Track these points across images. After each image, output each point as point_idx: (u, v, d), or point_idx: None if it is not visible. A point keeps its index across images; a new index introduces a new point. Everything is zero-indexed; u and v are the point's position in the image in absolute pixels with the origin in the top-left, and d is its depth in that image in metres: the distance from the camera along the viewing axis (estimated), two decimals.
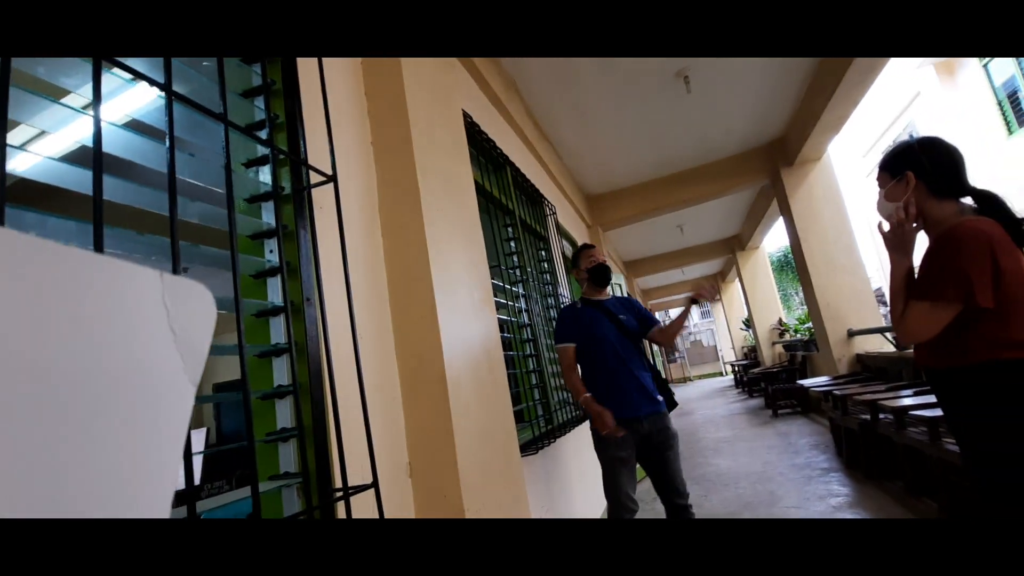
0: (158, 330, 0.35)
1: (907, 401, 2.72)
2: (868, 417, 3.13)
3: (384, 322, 1.31)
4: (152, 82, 0.78)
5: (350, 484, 1.00)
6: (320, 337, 0.98)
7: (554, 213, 3.92)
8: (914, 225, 1.36)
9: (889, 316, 1.42)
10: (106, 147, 0.84)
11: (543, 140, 4.08)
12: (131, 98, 1.13)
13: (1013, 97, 7.76)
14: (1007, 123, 7.95)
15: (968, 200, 1.33)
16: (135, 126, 0.96)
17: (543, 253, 3.53)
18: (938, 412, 2.21)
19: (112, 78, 0.88)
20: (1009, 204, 1.29)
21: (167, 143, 0.75)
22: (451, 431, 1.23)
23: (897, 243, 1.38)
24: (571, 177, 5.15)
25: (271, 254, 1.04)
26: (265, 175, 1.11)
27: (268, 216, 1.09)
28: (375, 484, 0.95)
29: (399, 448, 1.25)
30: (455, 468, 1.22)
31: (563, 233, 4.47)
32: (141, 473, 0.33)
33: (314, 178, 1.08)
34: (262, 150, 1.12)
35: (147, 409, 0.34)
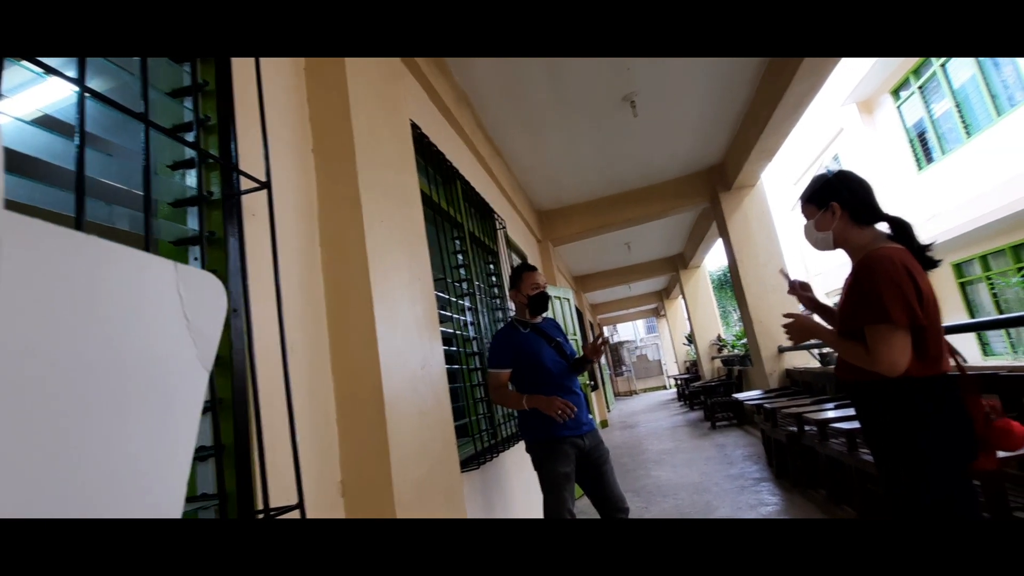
0: (172, 317, 0.37)
1: (829, 414, 2.90)
2: (795, 429, 3.31)
3: (320, 335, 1.27)
4: (64, 77, 0.73)
5: (276, 505, 0.95)
6: (245, 350, 0.93)
7: (504, 227, 3.94)
8: (808, 306, 1.49)
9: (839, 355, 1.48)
10: (10, 143, 0.78)
11: (495, 154, 4.12)
12: (46, 92, 1.05)
13: (922, 136, 8.58)
14: (917, 159, 8.76)
15: (882, 226, 1.45)
16: (47, 122, 0.90)
17: (492, 267, 3.54)
18: (856, 425, 2.38)
19: (22, 71, 0.82)
20: (916, 232, 1.42)
21: (76, 140, 0.70)
22: (386, 448, 1.20)
23: (802, 331, 1.49)
24: (522, 192, 5.21)
25: (195, 261, 0.99)
26: (193, 179, 1.05)
27: (196, 222, 1.03)
28: (300, 504, 0.91)
29: (331, 466, 1.20)
30: (390, 486, 1.18)
31: (513, 247, 4.51)
32: (159, 455, 0.34)
33: (247, 184, 1.04)
34: (192, 152, 1.06)
35: (163, 392, 0.35)
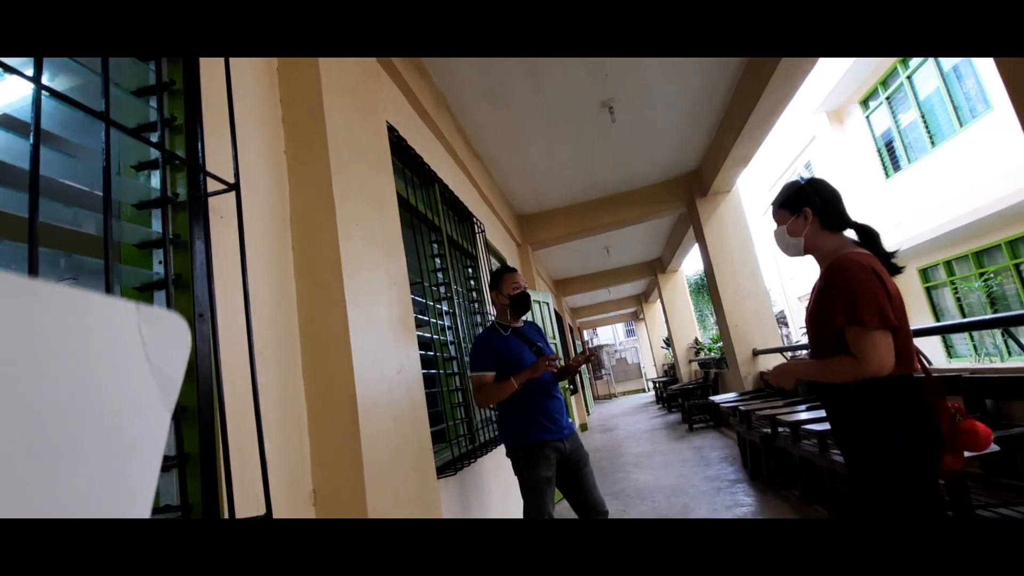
0: (134, 360, 0.37)
1: (802, 416, 2.96)
2: (769, 431, 3.37)
3: (291, 341, 1.24)
4: (20, 74, 0.70)
5: (243, 516, 0.93)
6: (211, 357, 0.91)
7: (483, 231, 3.94)
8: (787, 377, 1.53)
9: (812, 355, 1.51)
10: None
11: (474, 158, 4.11)
12: (4, 90, 1.01)
13: (889, 146, 8.87)
14: (884, 168, 9.05)
15: (850, 233, 1.49)
16: (6, 122, 0.86)
17: (470, 271, 3.52)
18: (827, 426, 2.43)
19: None
20: (882, 239, 1.46)
21: (31, 139, 0.67)
22: (360, 455, 1.18)
23: (785, 375, 1.54)
24: (502, 196, 5.22)
25: (160, 265, 0.96)
26: (159, 180, 1.02)
27: (160, 224, 1.00)
28: (268, 515, 0.89)
29: (302, 474, 1.17)
30: (363, 494, 1.16)
31: (492, 251, 4.50)
32: (118, 497, 0.34)
33: (215, 186, 1.01)
34: (158, 153, 1.03)
35: (124, 436, 0.35)
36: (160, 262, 0.95)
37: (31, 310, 0.30)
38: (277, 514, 0.99)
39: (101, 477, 0.33)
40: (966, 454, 1.34)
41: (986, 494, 2.00)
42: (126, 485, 0.35)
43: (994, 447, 1.64)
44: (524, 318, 2.42)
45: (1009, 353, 7.25)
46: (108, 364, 0.35)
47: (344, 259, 1.30)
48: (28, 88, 0.72)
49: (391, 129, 2.29)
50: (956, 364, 8.20)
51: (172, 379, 0.40)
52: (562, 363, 2.23)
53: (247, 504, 0.95)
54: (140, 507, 0.36)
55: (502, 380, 2.13)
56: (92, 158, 0.90)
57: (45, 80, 0.73)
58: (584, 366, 3.68)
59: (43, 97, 0.75)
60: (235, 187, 1.01)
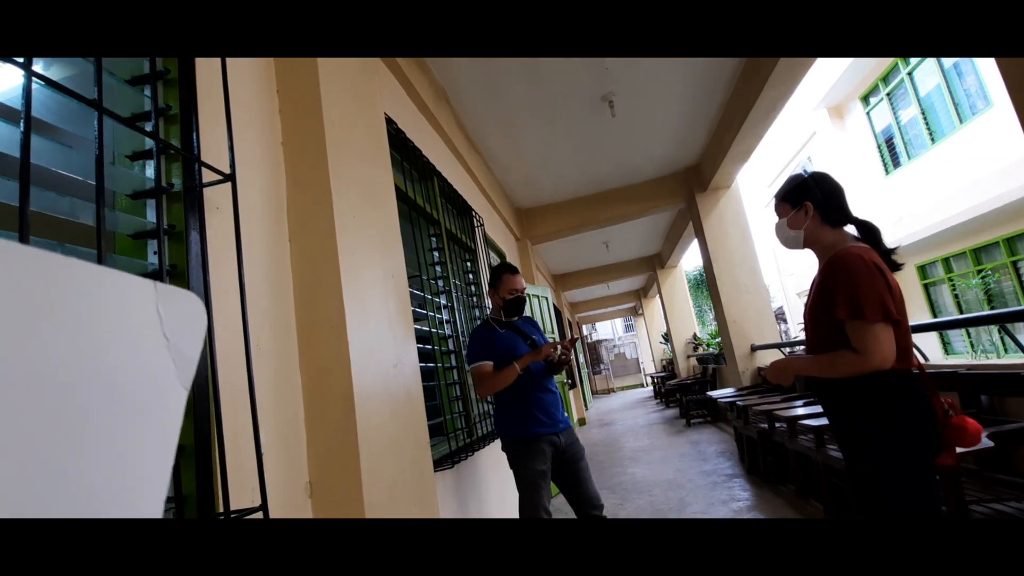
0: (152, 337, 0.37)
1: (799, 411, 2.97)
2: (766, 426, 3.38)
3: (288, 333, 1.24)
4: (12, 61, 0.70)
5: (239, 507, 0.93)
6: (207, 348, 0.90)
7: (482, 225, 3.93)
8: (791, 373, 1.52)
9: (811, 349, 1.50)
10: None
11: (473, 151, 4.10)
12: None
13: (890, 142, 8.85)
14: (884, 164, 9.04)
15: (850, 228, 1.49)
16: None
17: (469, 264, 3.52)
18: (824, 421, 2.44)
19: None
20: (882, 234, 1.46)
21: (22, 127, 0.66)
22: (356, 447, 1.18)
23: (784, 372, 1.53)
24: (501, 190, 5.20)
25: (155, 255, 0.95)
26: (154, 170, 1.01)
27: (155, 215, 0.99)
28: (264, 506, 0.89)
29: (299, 466, 1.17)
30: (359, 486, 1.16)
31: (491, 245, 4.49)
32: (136, 474, 0.35)
33: (210, 176, 1.00)
34: (152, 143, 1.02)
35: (142, 413, 0.35)
36: (155, 252, 0.94)
37: (49, 283, 0.30)
38: (273, 506, 0.99)
39: (118, 455, 0.34)
40: (958, 450, 1.34)
41: (980, 489, 2.01)
42: (142, 465, 0.35)
43: (988, 443, 1.64)
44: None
45: (1005, 350, 7.27)
46: (125, 340, 0.36)
47: (341, 251, 1.29)
48: (20, 76, 0.71)
49: (389, 121, 2.27)
50: (953, 360, 8.23)
51: (189, 357, 0.40)
52: (560, 352, 2.23)
53: (242, 496, 0.95)
54: (156, 489, 0.37)
55: (503, 368, 2.14)
56: (87, 148, 0.89)
57: (38, 68, 0.72)
58: (580, 358, 3.69)
59: (36, 85, 0.74)
60: (231, 178, 1.00)
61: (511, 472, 2.15)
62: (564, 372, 2.36)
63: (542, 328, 2.46)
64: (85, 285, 0.33)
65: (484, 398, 3.01)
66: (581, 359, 11.34)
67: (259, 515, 0.90)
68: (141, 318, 0.37)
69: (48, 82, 0.75)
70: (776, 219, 1.59)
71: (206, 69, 1.09)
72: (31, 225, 0.64)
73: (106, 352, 0.34)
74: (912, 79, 8.00)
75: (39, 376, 0.29)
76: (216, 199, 1.06)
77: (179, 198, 0.98)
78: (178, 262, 0.95)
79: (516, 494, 2.10)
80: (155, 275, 0.93)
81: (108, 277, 0.36)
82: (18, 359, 0.28)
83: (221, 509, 0.86)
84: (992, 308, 7.40)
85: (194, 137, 0.98)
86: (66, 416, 0.30)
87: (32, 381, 0.28)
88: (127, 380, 0.35)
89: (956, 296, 8.19)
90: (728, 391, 5.10)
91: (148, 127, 0.97)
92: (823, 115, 9.94)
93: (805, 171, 1.56)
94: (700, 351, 9.37)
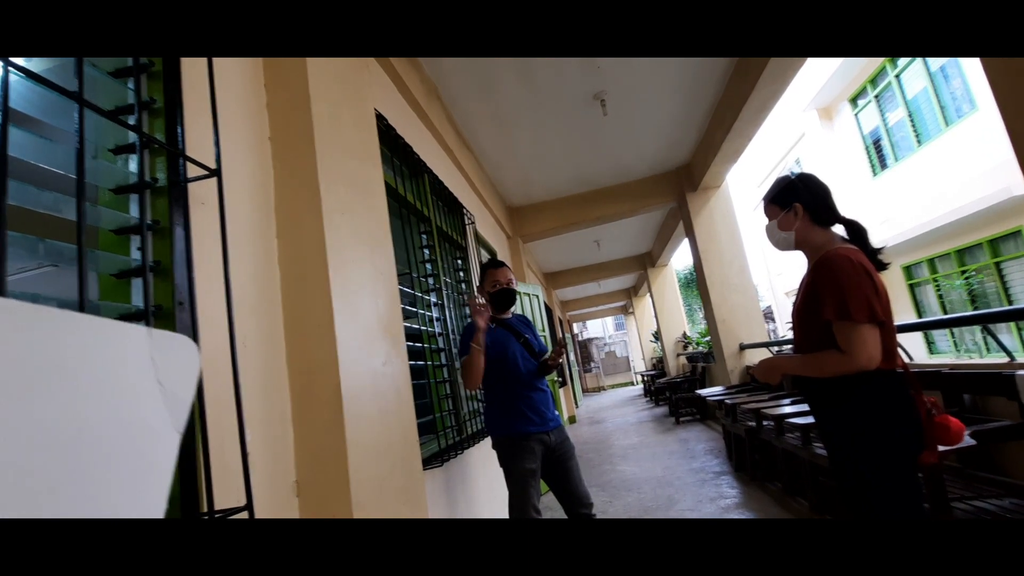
0: (145, 384, 0.38)
1: (786, 409, 3.00)
2: (754, 424, 3.41)
3: (275, 330, 1.22)
4: None
5: (224, 507, 0.92)
6: None
7: (473, 222, 3.92)
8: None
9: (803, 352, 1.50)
10: None
11: (464, 149, 4.08)
12: None
13: (877, 144, 8.95)
14: (872, 166, 9.14)
15: (838, 228, 1.50)
16: None
17: (460, 262, 3.51)
18: (810, 420, 2.46)
19: None
20: (869, 235, 1.48)
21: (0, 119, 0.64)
22: (344, 446, 1.17)
23: (770, 371, 1.55)
24: (492, 187, 5.19)
25: (138, 251, 0.93)
26: (137, 164, 1.00)
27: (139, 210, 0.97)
28: (249, 506, 0.88)
29: (286, 465, 1.16)
30: (347, 485, 1.16)
31: (482, 243, 4.48)
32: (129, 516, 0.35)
33: (195, 171, 0.99)
34: (136, 137, 1.01)
35: (136, 459, 0.36)
36: (138, 248, 0.93)
37: (45, 337, 0.31)
38: (259, 506, 0.98)
39: (112, 500, 0.34)
40: (940, 448, 1.37)
41: (962, 487, 2.04)
42: (137, 505, 0.36)
43: (970, 441, 1.67)
44: (513, 310, 2.42)
45: (988, 349, 7.40)
46: (120, 389, 0.36)
47: (329, 248, 1.28)
48: None
49: (380, 117, 2.26)
50: (936, 360, 8.36)
51: (182, 401, 0.41)
52: (550, 356, 2.23)
53: (228, 496, 0.94)
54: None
55: (486, 378, 2.15)
56: (69, 141, 0.87)
57: (18, 58, 0.70)
58: (571, 357, 3.69)
59: (15, 76, 0.72)
60: (216, 173, 0.99)
61: (501, 470, 2.15)
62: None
63: (534, 326, 2.46)
64: (80, 339, 0.34)
65: (474, 394, 3.01)
66: (572, 357, 11.37)
67: (244, 515, 0.89)
68: (135, 367, 0.37)
69: (28, 73, 0.73)
70: (766, 222, 1.60)
71: (192, 62, 1.07)
72: (9, 220, 0.63)
73: (101, 406, 0.34)
74: (900, 81, 8.10)
75: (32, 438, 0.29)
76: (201, 194, 1.04)
77: (163, 193, 0.97)
78: (162, 258, 0.93)
79: (506, 492, 2.10)
80: (138, 271, 0.92)
81: (103, 328, 0.36)
82: (15, 419, 0.29)
83: (205, 509, 0.85)
84: (975, 308, 7.53)
85: (179, 131, 0.97)
86: (62, 470, 0.31)
87: (27, 440, 0.29)
88: (121, 432, 0.35)
89: (940, 296, 8.32)
90: (717, 389, 5.14)
91: (132, 120, 0.95)
92: (812, 116, 10.04)
93: (792, 173, 1.57)
94: (690, 350, 9.44)
